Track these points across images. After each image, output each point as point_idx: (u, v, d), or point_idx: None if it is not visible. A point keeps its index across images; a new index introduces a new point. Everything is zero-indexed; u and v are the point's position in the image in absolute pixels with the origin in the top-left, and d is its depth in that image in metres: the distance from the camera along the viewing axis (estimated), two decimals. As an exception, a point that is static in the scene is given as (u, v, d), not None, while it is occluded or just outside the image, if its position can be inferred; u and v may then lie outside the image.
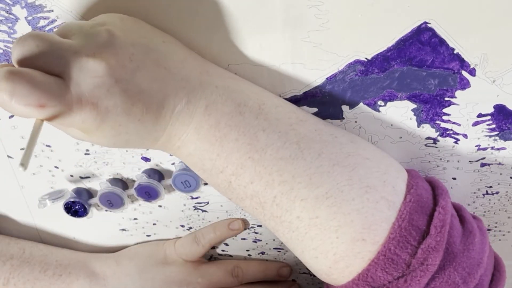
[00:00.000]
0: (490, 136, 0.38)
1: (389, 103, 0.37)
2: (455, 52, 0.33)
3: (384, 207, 0.31)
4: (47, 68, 0.28)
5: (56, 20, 0.35)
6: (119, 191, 0.44)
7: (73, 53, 0.28)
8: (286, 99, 0.37)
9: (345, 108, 0.37)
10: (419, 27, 0.33)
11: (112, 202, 0.45)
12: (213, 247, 0.52)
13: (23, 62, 0.28)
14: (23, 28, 0.35)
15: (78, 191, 0.46)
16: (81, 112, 0.29)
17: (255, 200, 0.33)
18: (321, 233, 0.32)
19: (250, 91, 0.34)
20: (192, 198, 0.46)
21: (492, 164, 0.40)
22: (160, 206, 0.47)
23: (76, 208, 0.46)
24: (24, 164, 0.27)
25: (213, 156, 0.33)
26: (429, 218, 0.32)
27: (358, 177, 0.32)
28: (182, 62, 0.33)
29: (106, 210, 0.48)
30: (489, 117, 0.36)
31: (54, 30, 0.33)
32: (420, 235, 0.31)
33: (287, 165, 0.32)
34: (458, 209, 0.36)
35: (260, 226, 0.49)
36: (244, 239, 0.50)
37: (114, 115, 0.29)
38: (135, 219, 0.49)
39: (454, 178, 0.42)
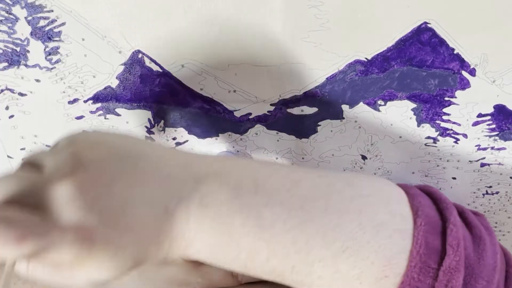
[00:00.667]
0: (490, 136, 0.38)
1: (389, 103, 0.37)
2: (455, 52, 0.33)
3: (398, 239, 0.31)
4: (25, 206, 0.28)
5: (56, 20, 0.35)
6: (119, 191, 0.44)
7: (43, 184, 0.28)
8: (286, 99, 0.37)
9: (345, 107, 0.37)
10: (419, 27, 0.32)
11: (112, 202, 0.44)
12: (213, 247, 0.52)
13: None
14: (23, 28, 0.35)
15: (78, 191, 0.46)
16: (64, 240, 0.27)
17: (274, 273, 0.33)
18: (344, 284, 0.32)
19: (239, 169, 0.33)
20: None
21: (492, 164, 0.40)
22: (160, 206, 0.47)
23: (76, 208, 0.46)
24: None
25: (223, 247, 0.32)
26: (442, 236, 0.32)
27: (367, 219, 0.31)
28: (161, 160, 0.31)
29: (106, 210, 0.48)
30: (489, 117, 0.36)
31: (24, 159, 0.33)
32: (438, 256, 0.31)
33: (298, 233, 0.31)
34: (461, 212, 0.36)
35: (260, 226, 0.49)
36: (244, 239, 0.50)
37: (102, 233, 0.28)
38: (135, 219, 0.49)
39: (454, 178, 0.42)
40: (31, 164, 0.30)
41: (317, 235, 0.31)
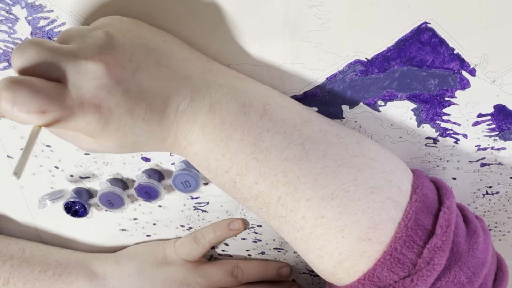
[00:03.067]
0: (490, 136, 0.38)
1: (389, 103, 0.37)
2: (455, 52, 0.33)
3: (390, 207, 0.31)
4: (47, 74, 0.28)
5: (56, 20, 0.35)
6: (119, 191, 0.44)
7: (72, 57, 0.29)
8: (286, 99, 0.37)
9: (345, 108, 0.37)
10: (419, 27, 0.33)
11: (112, 202, 0.45)
12: (213, 247, 0.52)
13: (23, 71, 0.28)
14: (23, 28, 0.35)
15: (78, 191, 0.46)
16: (84, 115, 0.29)
17: (260, 200, 0.33)
18: (327, 233, 0.32)
19: (255, 91, 0.34)
20: (192, 198, 0.46)
21: (492, 164, 0.40)
22: (160, 206, 0.47)
23: (76, 208, 0.46)
24: (17, 173, 0.27)
25: (218, 156, 0.33)
26: (434, 218, 0.32)
27: (363, 178, 0.32)
28: (184, 60, 0.33)
29: (106, 210, 0.48)
30: (489, 117, 0.36)
31: (55, 38, 0.33)
32: (426, 235, 0.31)
33: (292, 165, 0.32)
34: (461, 209, 0.36)
35: (260, 226, 0.49)
36: (244, 239, 0.50)
37: (117, 115, 0.30)
38: (135, 219, 0.49)
39: (454, 178, 0.42)
40: (67, 36, 0.31)
41: (309, 175, 0.32)
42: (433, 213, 0.32)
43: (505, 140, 0.38)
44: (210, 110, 0.32)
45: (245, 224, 0.49)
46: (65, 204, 0.46)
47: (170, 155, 0.42)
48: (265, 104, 0.33)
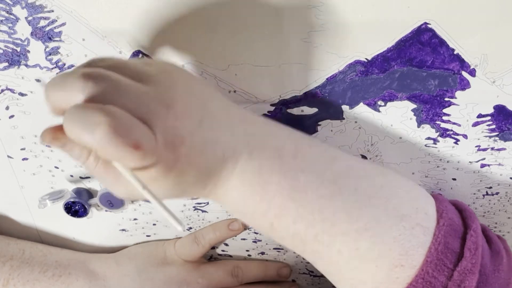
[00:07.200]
0: (490, 137, 0.38)
1: (389, 103, 0.37)
2: (455, 52, 0.33)
3: (419, 233, 0.32)
4: (131, 111, 0.27)
5: (56, 21, 0.35)
6: (119, 191, 0.44)
7: (151, 99, 0.28)
8: (286, 99, 0.37)
9: (345, 108, 0.37)
10: (419, 27, 0.33)
11: (112, 202, 0.45)
12: (213, 247, 0.52)
13: (99, 100, 0.26)
14: (23, 29, 0.35)
15: (78, 191, 0.46)
16: (157, 161, 0.28)
17: (297, 238, 0.34)
18: (361, 264, 0.33)
19: (284, 134, 0.35)
20: (192, 198, 0.46)
21: (492, 164, 0.40)
22: (160, 206, 0.47)
23: (76, 208, 0.46)
24: (181, 224, 0.28)
25: (256, 201, 0.33)
26: (462, 241, 0.33)
27: (393, 207, 0.33)
28: (225, 110, 0.33)
29: (106, 210, 0.48)
30: (489, 118, 0.37)
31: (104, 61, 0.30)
32: (455, 258, 0.32)
33: (327, 202, 0.33)
34: (483, 230, 0.37)
35: (260, 226, 0.49)
36: (244, 239, 0.50)
37: (181, 164, 0.29)
38: (135, 219, 0.49)
39: (454, 179, 0.42)
40: (131, 72, 0.29)
41: (344, 210, 0.32)
42: (460, 236, 0.33)
43: (505, 140, 0.38)
44: (248, 157, 0.33)
45: (245, 225, 0.49)
46: (65, 204, 0.45)
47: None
48: (296, 145, 0.34)
